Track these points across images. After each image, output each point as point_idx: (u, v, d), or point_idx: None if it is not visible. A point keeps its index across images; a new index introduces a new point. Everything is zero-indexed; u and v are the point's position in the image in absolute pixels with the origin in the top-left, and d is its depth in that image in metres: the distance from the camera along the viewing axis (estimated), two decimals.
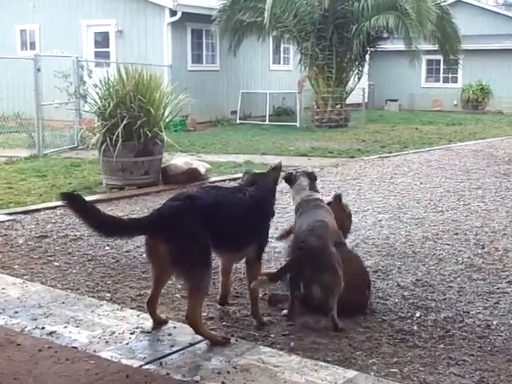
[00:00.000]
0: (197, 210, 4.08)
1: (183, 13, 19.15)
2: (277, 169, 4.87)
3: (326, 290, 4.44)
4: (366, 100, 25.59)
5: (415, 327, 4.57)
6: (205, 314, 4.65)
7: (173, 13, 19.13)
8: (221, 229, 4.16)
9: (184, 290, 4.59)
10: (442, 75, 30.30)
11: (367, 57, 22.53)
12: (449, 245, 6.75)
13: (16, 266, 5.88)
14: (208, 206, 4.15)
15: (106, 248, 6.54)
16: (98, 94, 10.25)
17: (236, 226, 4.32)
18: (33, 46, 21.19)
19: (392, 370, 3.88)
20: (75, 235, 7.02)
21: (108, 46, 20.41)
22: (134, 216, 7.90)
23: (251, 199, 4.44)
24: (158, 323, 4.40)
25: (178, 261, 3.96)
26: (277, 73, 24.16)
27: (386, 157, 13.76)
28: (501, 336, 4.44)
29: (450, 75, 29.78)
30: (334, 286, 4.43)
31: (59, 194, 4.19)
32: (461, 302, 5.10)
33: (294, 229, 4.91)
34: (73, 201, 3.99)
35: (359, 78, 21.55)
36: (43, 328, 4.35)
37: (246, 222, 4.37)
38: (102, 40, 20.66)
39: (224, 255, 4.60)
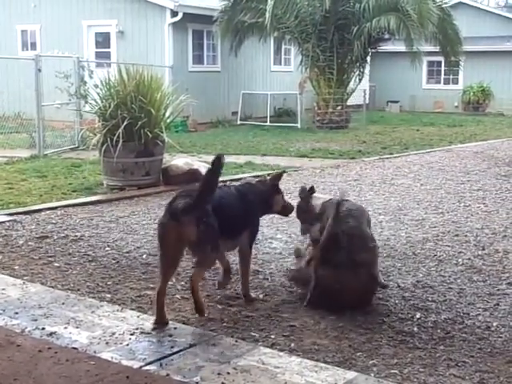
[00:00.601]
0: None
1: (184, 13, 19.16)
2: (275, 177, 5.40)
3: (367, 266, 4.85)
4: (367, 101, 25.56)
5: (415, 328, 4.57)
6: (205, 315, 4.67)
7: (174, 13, 19.14)
8: (222, 219, 4.65)
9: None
10: (443, 77, 30.29)
11: (368, 58, 22.54)
12: (449, 246, 6.75)
13: (16, 267, 5.88)
14: (214, 199, 4.65)
15: (107, 249, 6.55)
16: (98, 94, 10.26)
17: (233, 217, 4.86)
18: (34, 46, 21.20)
19: (392, 371, 3.88)
20: (76, 236, 7.03)
21: (109, 47, 20.42)
22: (135, 216, 7.94)
23: (238, 192, 5.09)
24: (161, 321, 4.47)
25: (202, 240, 4.50)
26: (278, 74, 24.17)
27: (387, 158, 13.76)
28: (501, 337, 4.44)
29: (451, 77, 29.77)
30: (373, 262, 4.91)
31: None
32: (461, 303, 5.10)
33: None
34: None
35: (360, 80, 21.54)
36: (43, 329, 4.36)
37: (239, 212, 4.93)
38: (103, 40, 20.67)
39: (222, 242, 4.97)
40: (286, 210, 5.45)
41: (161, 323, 4.46)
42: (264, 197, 5.23)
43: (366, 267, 4.85)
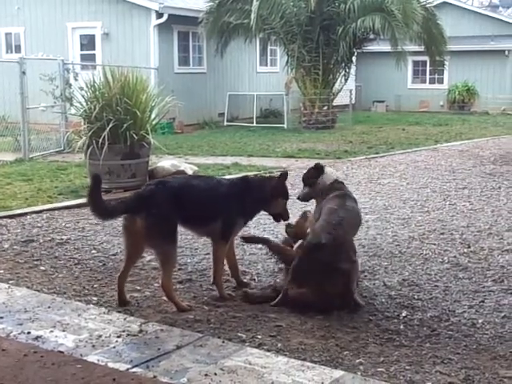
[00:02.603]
0: (167, 191, 4.91)
1: (169, 15, 19.12)
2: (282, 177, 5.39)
3: (344, 276, 4.82)
4: (353, 101, 25.64)
5: (401, 326, 4.59)
6: (191, 317, 4.68)
7: (159, 15, 19.10)
8: (187, 206, 4.93)
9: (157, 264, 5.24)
10: (428, 76, 30.40)
11: (354, 58, 22.57)
12: (435, 244, 6.78)
13: (1, 271, 5.85)
14: (175, 188, 4.99)
15: (93, 252, 6.53)
16: (83, 96, 10.21)
17: (199, 204, 5.03)
18: (18, 49, 21.08)
19: (379, 369, 3.89)
20: (61, 239, 7.00)
21: (94, 49, 20.34)
22: (121, 219, 7.89)
23: (218, 183, 5.27)
24: (122, 302, 4.95)
25: (151, 235, 4.76)
26: (264, 75, 24.19)
27: (373, 158, 13.81)
28: (486, 334, 4.47)
29: (437, 76, 29.89)
30: (352, 273, 4.87)
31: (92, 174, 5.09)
32: (447, 300, 5.13)
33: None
34: (95, 182, 4.83)
35: (346, 80, 21.59)
36: (29, 333, 4.33)
37: (209, 201, 5.06)
38: (88, 43, 20.59)
39: (190, 229, 5.40)
40: (279, 216, 5.41)
41: (120, 302, 4.95)
42: (259, 194, 5.20)
43: (345, 278, 4.82)
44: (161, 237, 4.79)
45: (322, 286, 4.77)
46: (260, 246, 6.62)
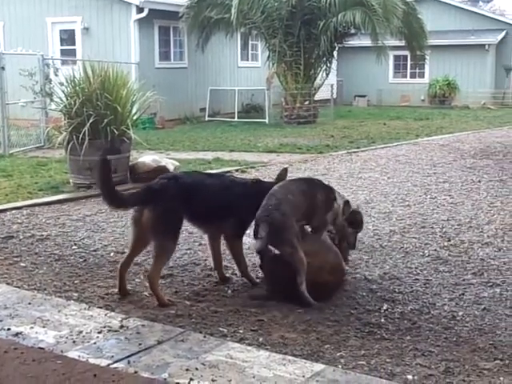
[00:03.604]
0: (178, 186, 4.96)
1: (150, 9, 19.03)
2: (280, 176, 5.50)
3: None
4: (335, 96, 25.70)
5: (382, 320, 4.62)
6: (173, 312, 4.67)
7: (139, 10, 19.01)
8: (197, 203, 4.97)
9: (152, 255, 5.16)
10: (409, 71, 30.53)
11: (335, 53, 22.62)
12: (416, 238, 6.82)
13: None
14: (187, 184, 5.03)
15: (74, 247, 6.50)
16: (63, 92, 10.14)
17: (209, 202, 5.06)
18: None
19: (359, 362, 3.91)
20: (42, 235, 6.95)
21: (74, 44, 20.21)
22: (102, 214, 7.88)
23: (231, 183, 5.32)
24: (123, 291, 5.03)
25: (154, 227, 4.82)
26: (245, 69, 24.16)
27: (355, 152, 13.85)
28: (466, 327, 4.50)
29: (417, 71, 30.03)
30: (294, 260, 4.77)
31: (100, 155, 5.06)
32: (427, 294, 5.16)
33: None
34: (105, 168, 4.82)
35: (327, 74, 21.63)
36: (9, 329, 4.30)
37: (220, 200, 5.10)
38: (68, 37, 20.45)
39: (200, 227, 5.44)
40: None
41: (121, 292, 5.02)
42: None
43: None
44: (163, 230, 4.85)
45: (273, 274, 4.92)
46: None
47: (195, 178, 5.36)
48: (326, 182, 10.02)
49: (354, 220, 5.35)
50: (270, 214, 4.81)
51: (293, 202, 4.94)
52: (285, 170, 5.56)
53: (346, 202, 5.29)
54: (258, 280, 5.39)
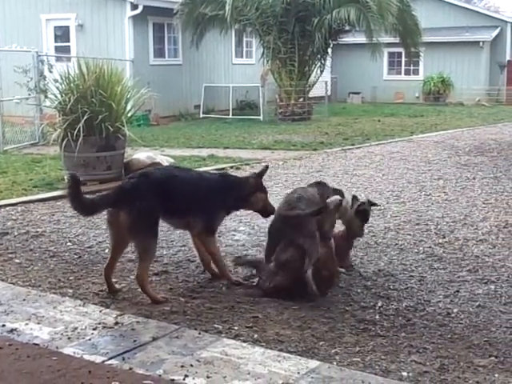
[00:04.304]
0: (150, 184, 4.90)
1: (144, 6, 19.01)
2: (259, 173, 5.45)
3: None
4: (329, 93, 25.70)
5: (377, 316, 4.62)
6: (167, 308, 4.67)
7: (134, 6, 18.98)
8: (169, 198, 4.92)
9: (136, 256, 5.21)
10: (403, 68, 30.56)
11: (329, 50, 22.60)
12: (410, 235, 6.83)
13: None
14: (158, 180, 4.98)
15: (68, 244, 6.49)
16: (58, 88, 10.12)
17: (179, 197, 5.00)
18: None
19: (354, 359, 3.91)
20: (37, 232, 6.94)
21: (69, 41, 20.16)
22: None
23: (201, 176, 5.33)
24: (112, 291, 5.03)
25: (132, 228, 4.76)
26: (239, 66, 24.13)
27: (349, 149, 13.85)
28: (461, 324, 4.51)
29: (412, 68, 30.05)
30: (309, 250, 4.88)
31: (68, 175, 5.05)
32: (422, 290, 5.17)
33: None
34: (74, 182, 4.74)
35: (322, 71, 21.62)
36: (4, 326, 4.30)
37: (188, 194, 5.05)
38: (63, 34, 20.39)
39: (170, 221, 5.29)
40: (265, 211, 5.41)
41: (111, 292, 5.02)
42: (238, 191, 5.25)
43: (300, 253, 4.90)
44: (142, 230, 4.79)
45: (285, 265, 4.90)
46: (236, 237, 6.65)
47: (165, 172, 5.28)
48: (321, 179, 10.08)
49: (362, 211, 5.66)
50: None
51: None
52: (266, 167, 5.51)
53: (354, 197, 5.69)
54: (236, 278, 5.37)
